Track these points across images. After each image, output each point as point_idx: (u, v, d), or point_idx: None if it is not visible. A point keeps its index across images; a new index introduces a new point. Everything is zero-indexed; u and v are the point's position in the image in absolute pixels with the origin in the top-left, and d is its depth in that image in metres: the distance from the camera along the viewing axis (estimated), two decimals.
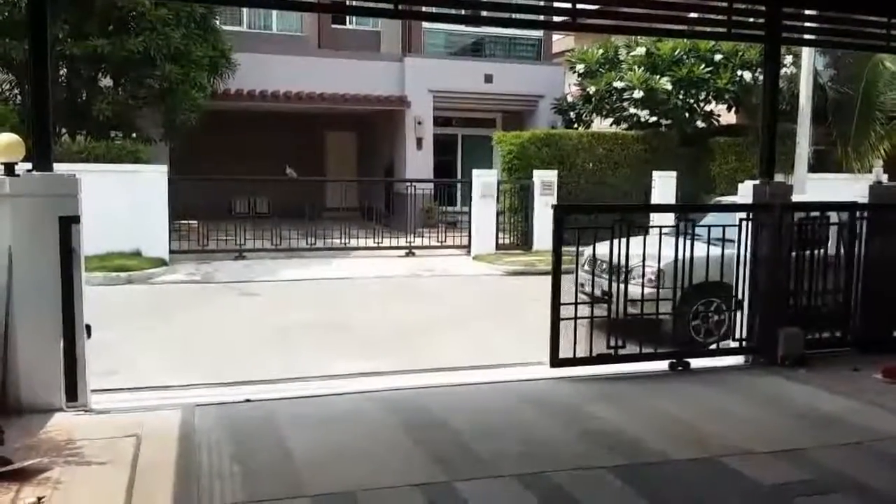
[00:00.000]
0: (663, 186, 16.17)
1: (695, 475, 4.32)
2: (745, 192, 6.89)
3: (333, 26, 23.59)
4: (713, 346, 7.43)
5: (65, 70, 14.72)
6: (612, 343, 6.30)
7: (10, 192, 4.98)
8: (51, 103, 5.27)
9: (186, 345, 8.30)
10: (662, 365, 6.46)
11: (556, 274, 6.12)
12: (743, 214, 6.70)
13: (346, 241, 16.04)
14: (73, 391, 5.09)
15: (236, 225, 15.18)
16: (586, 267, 8.49)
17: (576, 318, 6.17)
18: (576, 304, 6.19)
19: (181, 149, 17.03)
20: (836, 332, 7.05)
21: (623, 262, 6.32)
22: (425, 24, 21.25)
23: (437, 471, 4.25)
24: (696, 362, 6.71)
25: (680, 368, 6.44)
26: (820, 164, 17.02)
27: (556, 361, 6.15)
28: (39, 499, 3.70)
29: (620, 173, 17.56)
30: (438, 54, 21.96)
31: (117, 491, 3.87)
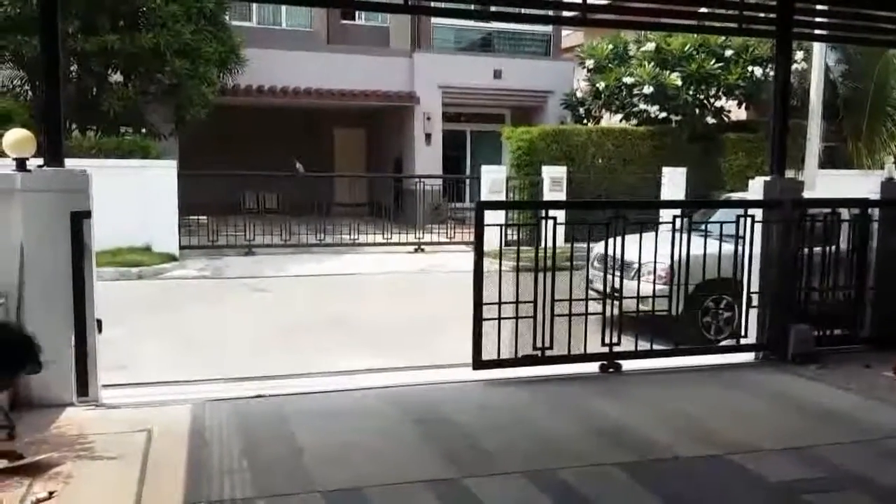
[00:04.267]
0: (673, 182, 16.12)
1: (704, 472, 4.32)
2: (755, 188, 6.85)
3: (342, 22, 23.60)
4: (723, 343, 7.41)
5: (75, 66, 14.76)
6: (539, 344, 5.97)
7: (22, 187, 5.01)
8: (62, 99, 5.28)
9: (197, 340, 8.33)
10: (593, 367, 6.19)
11: (478, 272, 5.82)
12: (752, 210, 6.67)
13: (355, 236, 16.07)
14: (84, 386, 5.11)
15: (246, 220, 15.22)
16: (596, 264, 8.48)
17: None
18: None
19: (191, 144, 17.07)
20: (847, 328, 7.02)
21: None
22: (434, 20, 21.21)
23: (447, 467, 4.26)
24: (703, 360, 6.71)
25: (611, 370, 6.21)
26: (831, 160, 16.93)
27: (478, 363, 5.86)
28: (51, 493, 3.72)
29: (630, 169, 17.51)
30: (447, 50, 21.93)
31: (128, 485, 3.89)
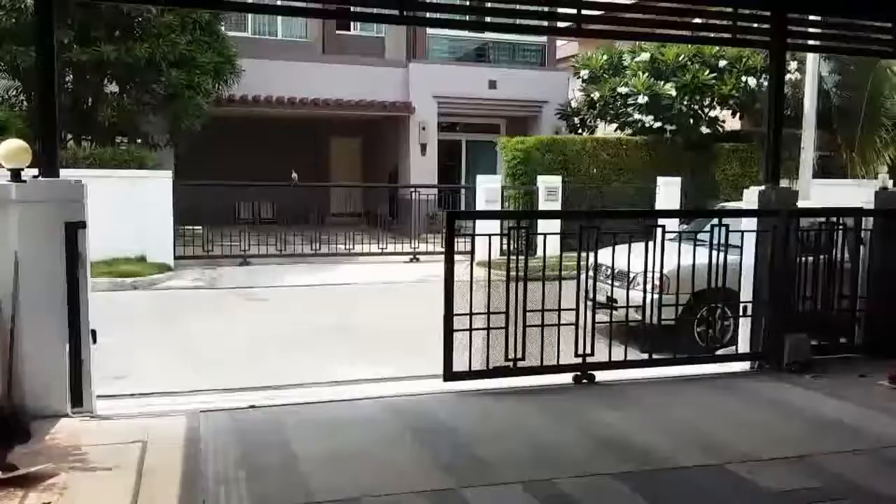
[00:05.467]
0: (668, 192, 16.16)
1: (703, 482, 4.31)
2: (750, 197, 6.87)
3: (338, 32, 23.65)
4: (719, 352, 7.39)
5: (71, 76, 14.77)
6: (511, 355, 5.92)
7: (17, 198, 5.00)
8: (57, 109, 5.28)
9: (191, 350, 8.30)
10: (566, 378, 6.11)
11: (449, 282, 5.78)
12: (749, 220, 6.69)
13: (351, 246, 16.06)
14: (78, 397, 5.10)
15: (241, 230, 15.20)
16: (590, 273, 8.48)
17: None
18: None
19: (186, 154, 17.07)
20: (842, 337, 7.03)
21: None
22: (430, 30, 21.26)
23: (443, 477, 4.25)
24: (700, 369, 6.69)
25: (585, 381, 6.13)
26: (825, 169, 16.98)
27: (449, 375, 5.80)
28: None
29: (625, 178, 17.55)
30: (443, 60, 21.97)
31: (123, 497, 3.87)
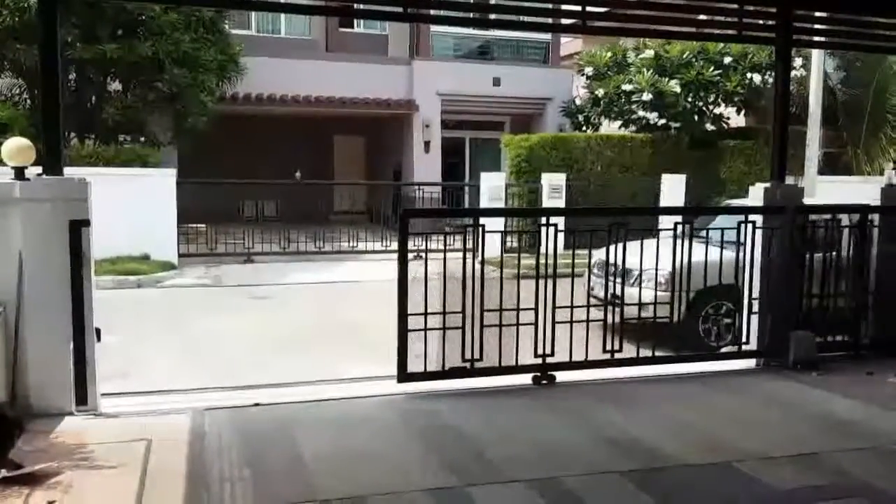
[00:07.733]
0: (672, 189, 16.11)
1: (710, 480, 4.29)
2: (756, 194, 6.84)
3: (341, 30, 23.62)
4: (724, 350, 7.37)
5: (74, 74, 14.78)
6: (468, 356, 5.79)
7: (21, 196, 4.99)
8: (61, 107, 5.27)
9: (195, 348, 8.30)
10: (525, 378, 5.95)
11: (403, 281, 5.68)
12: (754, 217, 6.66)
13: (354, 244, 16.07)
14: (83, 395, 5.09)
15: (245, 228, 15.21)
16: (595, 271, 8.46)
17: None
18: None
19: (190, 152, 17.07)
20: (848, 335, 6.99)
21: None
22: (433, 28, 21.24)
23: (449, 475, 4.24)
24: (705, 366, 6.65)
25: (544, 382, 5.97)
26: (830, 166, 16.94)
27: (403, 376, 5.69)
28: (50, 503, 3.70)
29: (629, 176, 17.51)
30: (446, 57, 21.95)
31: (127, 495, 3.86)
